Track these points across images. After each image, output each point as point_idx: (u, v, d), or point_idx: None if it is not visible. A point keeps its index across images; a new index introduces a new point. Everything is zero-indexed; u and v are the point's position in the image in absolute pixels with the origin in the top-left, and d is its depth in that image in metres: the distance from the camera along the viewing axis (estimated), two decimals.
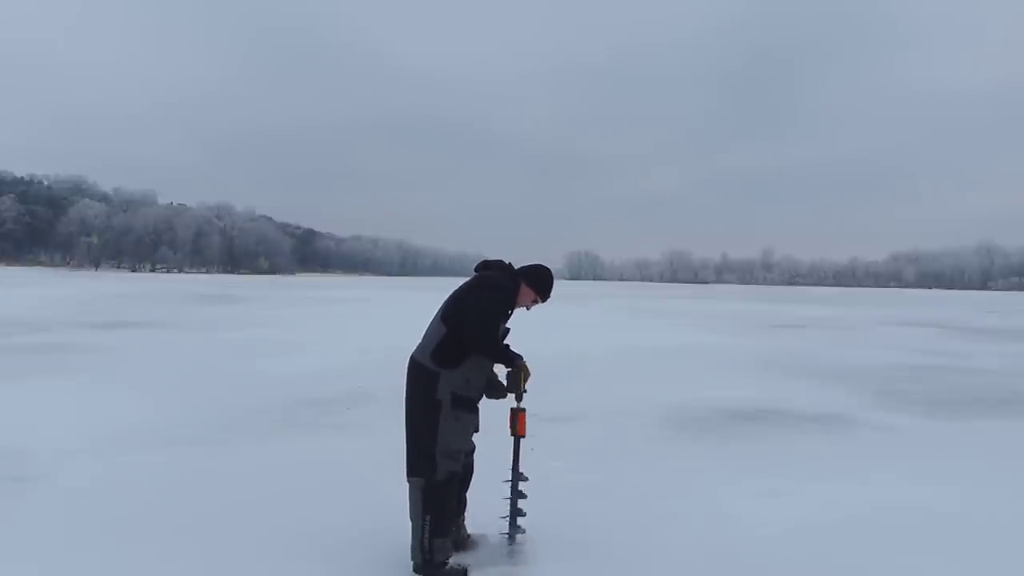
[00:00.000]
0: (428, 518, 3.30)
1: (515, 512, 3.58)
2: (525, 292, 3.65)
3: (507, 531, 3.59)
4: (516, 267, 3.74)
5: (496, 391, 3.59)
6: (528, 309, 3.73)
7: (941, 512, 4.35)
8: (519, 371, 3.50)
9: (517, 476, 3.58)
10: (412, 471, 3.40)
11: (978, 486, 4.93)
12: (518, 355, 3.49)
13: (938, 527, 4.09)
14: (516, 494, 3.58)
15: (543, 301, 3.74)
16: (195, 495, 4.42)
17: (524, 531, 3.59)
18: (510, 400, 3.57)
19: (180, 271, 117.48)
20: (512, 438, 3.58)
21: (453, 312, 3.45)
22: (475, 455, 3.64)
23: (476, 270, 3.74)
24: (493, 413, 3.70)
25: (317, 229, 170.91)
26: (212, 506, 4.22)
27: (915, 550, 3.76)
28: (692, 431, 6.54)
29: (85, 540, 3.70)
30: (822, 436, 6.46)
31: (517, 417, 3.55)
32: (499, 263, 3.74)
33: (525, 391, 3.55)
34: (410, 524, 3.37)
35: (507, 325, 3.58)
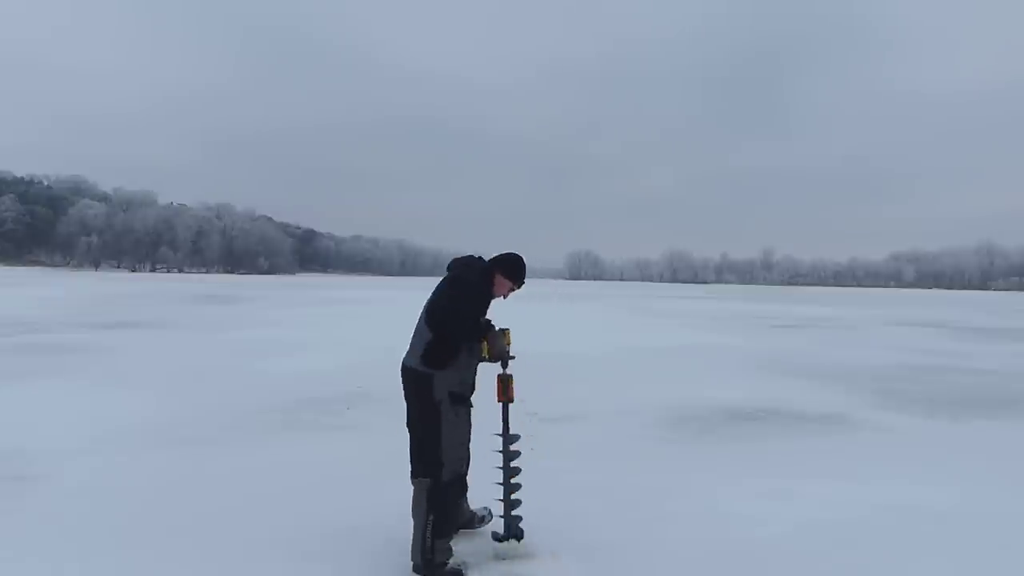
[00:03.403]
0: (432, 519, 3.31)
1: (509, 503, 3.48)
2: (500, 282, 3.65)
3: (501, 532, 3.50)
4: (488, 258, 3.72)
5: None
6: (505, 298, 3.73)
7: (941, 512, 4.34)
8: (495, 333, 3.43)
9: (508, 452, 3.49)
10: (417, 472, 3.41)
11: (978, 486, 4.93)
12: (487, 320, 3.47)
13: (938, 527, 4.09)
14: (509, 484, 3.47)
15: (518, 288, 3.74)
16: (195, 495, 4.42)
17: (522, 537, 3.51)
18: (496, 368, 3.51)
19: (180, 271, 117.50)
20: (500, 404, 3.52)
21: (431, 315, 3.45)
22: (471, 448, 3.63)
23: (448, 268, 3.71)
24: (490, 411, 3.70)
25: (317, 229, 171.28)
26: (212, 506, 4.22)
27: (915, 550, 3.76)
28: (692, 431, 6.54)
29: (85, 540, 3.70)
30: (822, 436, 6.46)
31: (506, 383, 3.49)
32: (470, 258, 3.72)
33: (512, 356, 3.47)
34: (411, 523, 3.37)
35: (487, 316, 3.59)
